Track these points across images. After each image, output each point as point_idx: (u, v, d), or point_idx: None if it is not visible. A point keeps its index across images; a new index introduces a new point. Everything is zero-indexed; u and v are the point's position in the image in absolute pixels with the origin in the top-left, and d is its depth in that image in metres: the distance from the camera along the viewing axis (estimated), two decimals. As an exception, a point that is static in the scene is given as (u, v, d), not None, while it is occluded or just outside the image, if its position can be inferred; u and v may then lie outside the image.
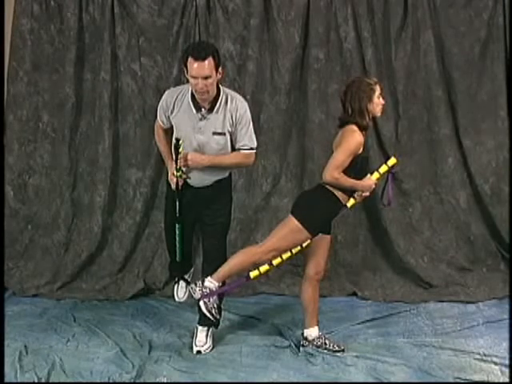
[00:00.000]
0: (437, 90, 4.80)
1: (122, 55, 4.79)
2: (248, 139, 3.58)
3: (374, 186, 3.54)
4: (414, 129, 4.87)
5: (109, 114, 4.80)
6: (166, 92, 3.66)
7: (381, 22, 4.78)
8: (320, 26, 4.74)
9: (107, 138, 4.82)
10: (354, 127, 3.46)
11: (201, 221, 3.78)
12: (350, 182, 3.45)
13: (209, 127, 3.51)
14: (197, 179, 3.63)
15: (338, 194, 3.48)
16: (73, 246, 4.87)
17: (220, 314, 3.84)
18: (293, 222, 3.48)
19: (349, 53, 4.77)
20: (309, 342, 3.73)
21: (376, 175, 3.55)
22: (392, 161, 3.59)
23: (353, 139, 3.42)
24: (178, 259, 3.83)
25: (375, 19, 4.77)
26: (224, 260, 3.70)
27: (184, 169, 3.57)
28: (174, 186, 3.63)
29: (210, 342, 3.80)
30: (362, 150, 3.47)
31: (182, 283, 3.96)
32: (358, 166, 3.47)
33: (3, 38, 4.70)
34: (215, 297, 3.51)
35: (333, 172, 3.41)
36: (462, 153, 4.87)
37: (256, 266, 3.57)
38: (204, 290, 3.49)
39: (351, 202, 3.54)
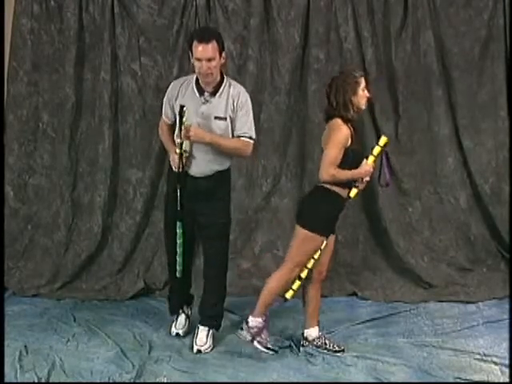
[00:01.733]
0: (437, 90, 4.80)
1: (122, 55, 4.80)
2: (248, 128, 3.63)
3: (371, 170, 3.51)
4: (413, 129, 4.87)
5: (109, 114, 4.81)
6: (172, 82, 3.77)
7: (381, 21, 4.78)
8: (320, 25, 4.75)
9: (107, 138, 4.82)
10: (339, 121, 3.45)
11: (199, 223, 3.77)
12: (347, 173, 3.44)
13: (211, 111, 3.58)
14: (197, 168, 3.64)
15: (337, 189, 3.47)
16: (73, 246, 4.87)
17: (222, 316, 3.91)
18: (302, 233, 3.49)
19: (349, 53, 4.77)
20: (309, 342, 3.72)
21: (371, 158, 3.52)
22: (383, 140, 3.53)
23: (340, 133, 3.42)
24: (178, 274, 3.79)
25: (375, 19, 4.77)
26: (225, 263, 3.79)
27: (186, 148, 3.57)
28: (175, 168, 3.65)
29: (210, 342, 3.80)
30: (351, 141, 3.45)
31: (182, 319, 4.01)
32: (350, 159, 3.45)
33: (3, 38, 4.70)
34: (265, 331, 3.57)
35: (328, 169, 3.40)
36: (462, 153, 4.87)
37: (288, 285, 3.59)
38: (252, 331, 3.56)
39: (354, 191, 3.53)
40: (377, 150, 3.53)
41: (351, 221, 4.83)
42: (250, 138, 3.65)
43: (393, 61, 4.80)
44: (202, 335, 3.80)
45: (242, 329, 3.61)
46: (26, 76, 4.81)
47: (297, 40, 4.75)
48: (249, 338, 3.57)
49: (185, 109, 3.50)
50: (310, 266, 3.56)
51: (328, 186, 3.46)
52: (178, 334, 3.96)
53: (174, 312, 4.06)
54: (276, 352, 3.62)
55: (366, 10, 4.75)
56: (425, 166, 4.88)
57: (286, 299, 3.62)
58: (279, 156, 4.87)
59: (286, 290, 3.60)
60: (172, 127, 3.75)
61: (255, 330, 3.56)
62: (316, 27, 4.75)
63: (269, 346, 3.59)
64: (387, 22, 4.78)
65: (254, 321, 3.57)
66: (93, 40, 4.80)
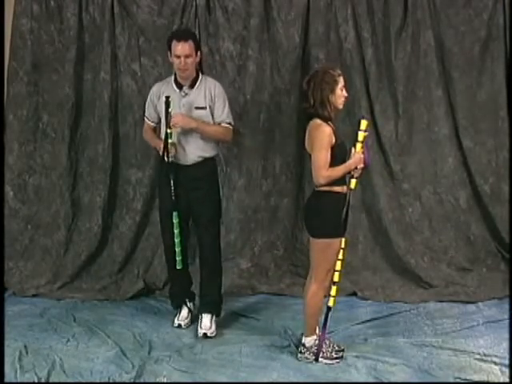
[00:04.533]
0: (437, 90, 4.80)
1: (122, 55, 4.79)
2: (226, 115, 3.96)
3: (362, 156, 3.47)
4: (413, 129, 4.86)
5: (109, 114, 4.81)
6: (153, 86, 4.07)
7: (381, 22, 4.77)
8: (320, 25, 4.74)
9: (107, 138, 4.82)
10: (318, 121, 3.43)
11: (193, 211, 3.97)
12: (340, 169, 3.42)
13: (191, 103, 3.88)
14: (186, 156, 3.88)
15: (335, 188, 3.46)
16: (73, 246, 4.87)
17: (222, 301, 4.04)
18: (320, 243, 3.48)
19: (349, 53, 4.77)
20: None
21: (359, 145, 3.48)
22: (364, 123, 3.48)
23: (322, 134, 3.39)
24: (178, 265, 3.95)
25: (375, 19, 4.77)
26: (218, 249, 3.95)
27: (174, 138, 3.81)
28: (166, 158, 3.84)
29: (214, 327, 3.91)
30: (335, 139, 3.42)
31: (184, 312, 4.10)
32: (338, 156, 3.43)
33: (3, 38, 4.70)
34: (324, 344, 3.57)
35: (321, 172, 3.38)
36: (462, 153, 4.87)
37: (326, 295, 3.59)
38: (313, 350, 3.57)
39: (353, 182, 3.52)
40: (361, 135, 3.48)
41: (351, 221, 4.78)
42: (230, 123, 3.96)
43: (393, 61, 4.79)
44: (206, 320, 3.92)
45: (301, 352, 3.61)
46: (26, 76, 4.81)
47: (297, 40, 4.75)
48: (313, 358, 3.58)
49: (170, 99, 3.78)
50: (338, 267, 3.54)
51: (326, 188, 3.44)
52: (179, 326, 4.05)
53: (177, 306, 4.14)
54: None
55: (365, 9, 4.74)
56: (425, 165, 4.88)
57: (329, 308, 3.59)
58: (279, 156, 4.87)
59: (327, 299, 3.59)
60: (155, 130, 4.04)
61: (314, 348, 3.57)
62: (316, 27, 4.75)
63: (334, 355, 3.59)
64: (387, 22, 4.77)
65: (309, 340, 3.59)
66: (93, 40, 4.80)
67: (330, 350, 3.59)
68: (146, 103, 4.04)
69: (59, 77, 4.83)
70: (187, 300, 4.14)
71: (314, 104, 3.43)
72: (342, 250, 3.54)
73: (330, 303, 3.59)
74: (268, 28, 4.78)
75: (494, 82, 4.82)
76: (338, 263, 3.54)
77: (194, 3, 4.74)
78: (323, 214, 3.49)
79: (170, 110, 3.78)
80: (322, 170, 3.38)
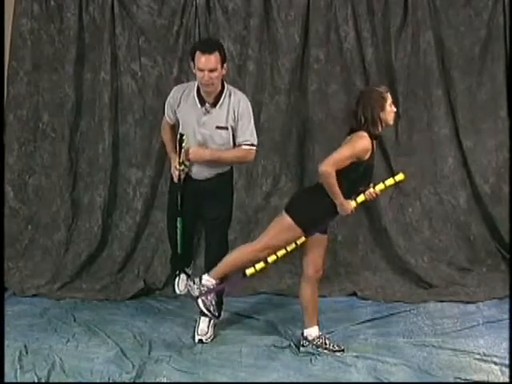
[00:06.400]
0: (437, 90, 4.80)
1: (122, 55, 4.79)
2: (249, 135, 3.70)
3: (349, 213, 3.51)
4: (414, 129, 4.87)
5: (109, 114, 4.80)
6: (174, 88, 3.84)
7: (381, 22, 4.77)
8: (320, 25, 4.74)
9: (107, 138, 4.81)
10: (364, 133, 3.47)
11: (202, 217, 3.89)
12: (337, 190, 3.42)
13: (212, 121, 3.65)
14: (198, 172, 3.74)
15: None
16: (73, 246, 4.86)
17: (221, 307, 3.93)
18: (285, 220, 3.50)
19: (349, 53, 4.77)
20: (309, 341, 3.72)
21: (381, 186, 3.56)
22: (400, 177, 3.59)
23: (360, 142, 3.44)
24: (179, 251, 3.92)
25: (375, 19, 4.77)
26: (225, 253, 3.79)
27: (187, 163, 3.69)
28: (176, 179, 3.76)
29: (211, 332, 3.87)
30: (369, 156, 3.47)
31: (183, 276, 4.04)
32: (361, 172, 3.47)
33: (3, 38, 4.70)
34: (213, 294, 3.57)
35: (327, 165, 3.40)
36: (462, 153, 4.87)
37: (252, 263, 3.59)
38: (202, 288, 3.56)
39: (361, 197, 3.54)
40: (389, 181, 3.59)
41: (351, 221, 4.82)
42: (252, 144, 3.72)
43: (393, 61, 4.79)
44: (204, 325, 3.87)
45: (194, 282, 3.62)
46: (26, 76, 4.81)
47: (297, 40, 4.75)
48: (196, 293, 3.58)
49: (184, 137, 3.64)
50: (280, 254, 3.56)
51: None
52: (180, 293, 4.02)
53: (176, 271, 4.08)
54: (216, 318, 3.70)
55: (365, 9, 4.74)
56: (425, 166, 4.88)
57: (244, 275, 3.61)
58: (279, 156, 4.87)
59: (249, 267, 3.60)
60: (174, 126, 3.86)
61: (205, 289, 3.57)
62: (316, 27, 4.74)
63: (211, 309, 3.59)
64: (387, 22, 4.77)
65: (208, 280, 3.59)
66: (93, 40, 4.80)
67: (212, 304, 3.58)
68: (165, 104, 3.85)
69: (59, 77, 4.82)
70: (186, 267, 4.08)
71: (366, 122, 3.46)
72: (294, 244, 3.54)
73: (248, 271, 3.59)
74: (268, 28, 4.78)
75: (494, 82, 4.82)
76: (283, 251, 3.55)
77: (194, 3, 4.74)
78: (308, 203, 3.51)
79: (183, 145, 3.65)
80: (330, 165, 3.39)
